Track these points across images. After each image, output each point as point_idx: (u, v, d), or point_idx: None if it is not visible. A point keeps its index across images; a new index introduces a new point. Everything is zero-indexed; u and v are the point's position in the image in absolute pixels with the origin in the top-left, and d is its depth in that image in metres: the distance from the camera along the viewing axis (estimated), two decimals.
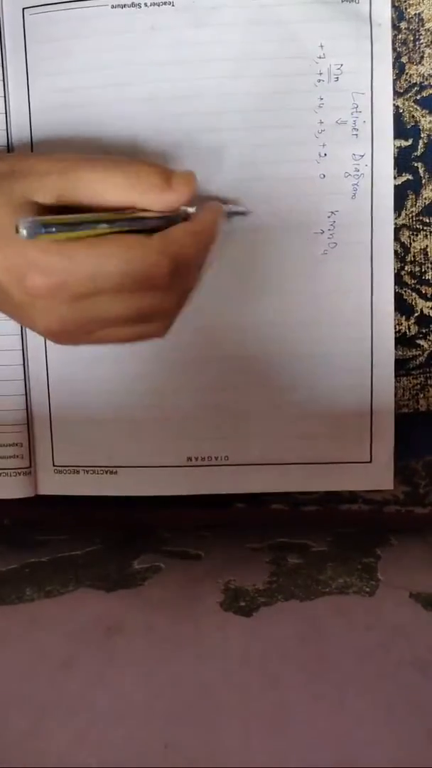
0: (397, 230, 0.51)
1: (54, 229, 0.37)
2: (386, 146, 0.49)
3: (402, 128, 0.50)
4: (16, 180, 0.40)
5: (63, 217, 0.38)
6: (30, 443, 0.54)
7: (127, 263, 0.39)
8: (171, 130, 0.49)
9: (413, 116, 0.50)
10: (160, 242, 0.40)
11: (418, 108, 0.50)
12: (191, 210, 0.43)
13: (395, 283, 0.51)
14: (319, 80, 0.48)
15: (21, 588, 0.48)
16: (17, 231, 0.37)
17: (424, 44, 0.49)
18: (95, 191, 0.40)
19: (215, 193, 0.49)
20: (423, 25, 0.49)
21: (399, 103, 0.50)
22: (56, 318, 0.40)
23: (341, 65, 0.48)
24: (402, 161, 0.50)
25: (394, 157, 0.49)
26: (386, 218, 0.50)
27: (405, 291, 0.52)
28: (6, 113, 0.50)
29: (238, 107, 0.49)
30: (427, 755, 0.34)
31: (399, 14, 0.49)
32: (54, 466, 0.54)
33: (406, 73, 0.49)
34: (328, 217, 0.50)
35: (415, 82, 0.49)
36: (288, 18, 0.48)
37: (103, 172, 0.40)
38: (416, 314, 0.52)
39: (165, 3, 0.48)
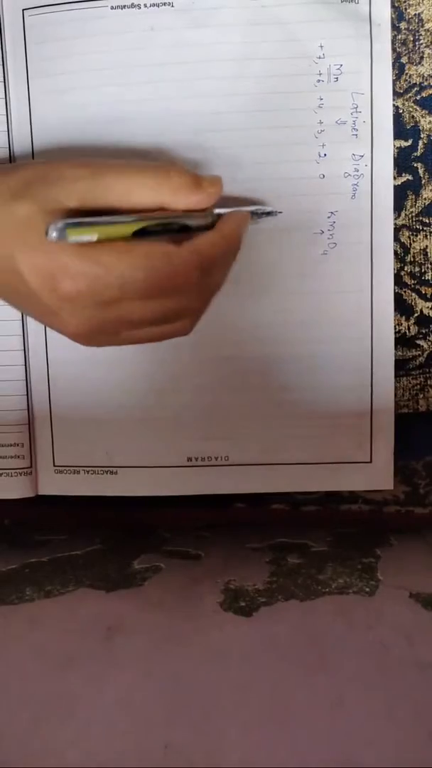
0: (397, 230, 0.51)
1: (83, 229, 0.38)
2: (386, 146, 0.49)
3: (402, 128, 0.50)
4: (46, 186, 0.40)
5: (93, 219, 0.39)
6: (31, 443, 0.54)
7: (156, 271, 0.39)
8: (171, 130, 0.49)
9: (413, 116, 0.50)
10: (189, 251, 0.40)
11: (418, 108, 0.50)
12: (220, 211, 0.44)
13: (395, 284, 0.51)
14: (319, 80, 0.48)
15: (21, 588, 0.48)
16: (47, 234, 0.37)
17: (424, 44, 0.49)
18: (126, 193, 0.40)
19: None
20: (423, 26, 0.49)
21: (399, 103, 0.50)
22: (84, 321, 0.41)
23: (341, 65, 0.48)
24: (402, 161, 0.50)
25: (394, 158, 0.50)
26: (386, 218, 0.50)
27: (405, 291, 0.52)
28: (6, 113, 0.50)
29: (237, 108, 0.49)
30: (427, 755, 0.34)
31: (399, 14, 0.49)
32: (54, 466, 0.54)
33: (406, 74, 0.49)
34: (328, 217, 0.50)
35: (414, 82, 0.49)
36: (288, 18, 0.48)
37: (132, 174, 0.41)
38: (416, 314, 0.52)
39: (164, 4, 0.48)
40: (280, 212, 0.49)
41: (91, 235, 0.38)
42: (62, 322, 0.41)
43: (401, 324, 0.52)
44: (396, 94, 0.49)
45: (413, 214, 0.51)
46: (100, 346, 0.44)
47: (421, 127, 0.50)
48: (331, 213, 0.50)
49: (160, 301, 0.41)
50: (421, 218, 0.51)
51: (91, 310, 0.40)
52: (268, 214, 0.48)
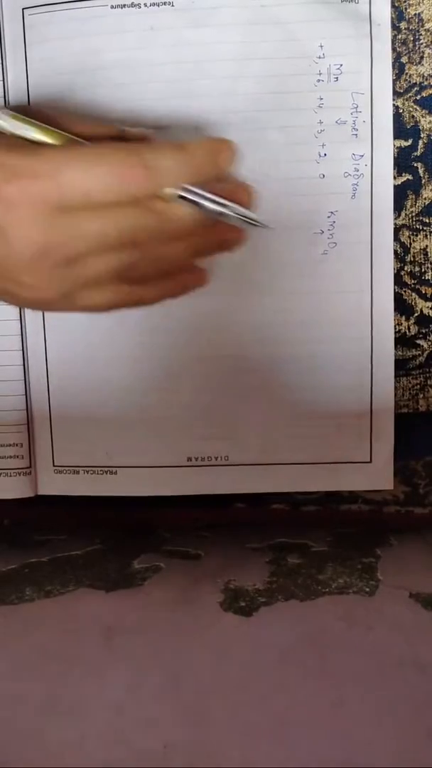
0: (397, 230, 0.51)
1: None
2: (386, 146, 0.49)
3: (402, 128, 0.50)
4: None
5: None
6: (30, 443, 0.54)
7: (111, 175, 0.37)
8: (170, 130, 0.49)
9: (413, 116, 0.50)
10: (137, 148, 0.38)
11: (418, 108, 0.50)
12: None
13: (395, 284, 0.51)
14: (319, 80, 0.48)
15: (21, 588, 0.48)
16: None
17: (424, 44, 0.49)
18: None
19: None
20: (423, 26, 0.49)
21: (399, 103, 0.50)
22: (37, 232, 0.37)
23: (341, 65, 0.48)
24: (402, 161, 0.50)
25: (394, 157, 0.49)
26: (386, 218, 0.50)
27: (405, 291, 0.52)
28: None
29: (237, 107, 0.49)
30: (427, 755, 0.34)
31: (399, 14, 0.49)
32: (54, 466, 0.54)
33: (406, 73, 0.49)
34: (328, 217, 0.50)
35: (414, 82, 0.49)
36: (288, 18, 0.48)
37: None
38: (416, 314, 0.52)
39: (164, 3, 0.48)
40: (272, 228, 0.46)
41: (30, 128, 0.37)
42: (8, 236, 0.37)
43: (401, 324, 0.52)
44: (396, 94, 0.49)
45: (413, 214, 0.51)
46: (58, 304, 0.41)
47: (421, 127, 0.50)
48: (331, 213, 0.50)
49: (115, 214, 0.38)
50: (421, 218, 0.51)
51: (44, 218, 0.36)
52: (255, 224, 0.45)
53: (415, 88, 0.49)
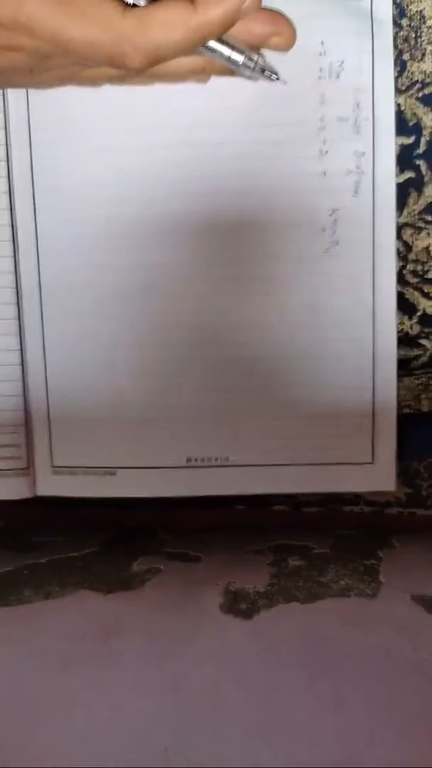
0: (400, 228, 0.51)
1: None
2: (388, 143, 0.49)
3: (404, 125, 0.50)
4: None
5: None
6: (28, 444, 0.53)
7: None
8: (171, 126, 0.49)
9: (415, 113, 0.50)
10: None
11: (420, 105, 0.49)
12: None
13: (397, 282, 0.50)
14: (320, 77, 0.48)
15: (20, 589, 0.48)
16: None
17: (426, 41, 0.49)
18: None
19: (214, 191, 0.49)
20: (425, 22, 0.49)
21: (401, 100, 0.49)
22: None
23: (342, 62, 0.48)
24: (404, 159, 0.50)
25: (396, 155, 0.49)
26: (388, 216, 0.49)
27: (407, 290, 0.52)
28: (5, 114, 0.50)
29: (238, 104, 0.48)
30: (427, 756, 0.34)
31: (400, 11, 0.49)
32: (52, 467, 0.54)
33: (408, 71, 0.49)
34: (330, 214, 0.49)
35: (417, 79, 0.49)
36: (289, 14, 0.48)
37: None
38: (419, 313, 0.52)
39: None
40: (283, 81, 0.41)
41: None
42: None
43: (404, 323, 0.52)
44: (398, 91, 0.49)
45: (416, 212, 0.51)
46: None
47: (423, 124, 0.50)
48: (333, 210, 0.49)
49: None
50: (423, 216, 0.51)
51: None
52: (263, 72, 0.40)
53: (417, 85, 0.49)
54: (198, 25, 0.34)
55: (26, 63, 0.35)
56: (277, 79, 0.39)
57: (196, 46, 0.35)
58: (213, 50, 0.35)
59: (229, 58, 0.36)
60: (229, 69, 0.38)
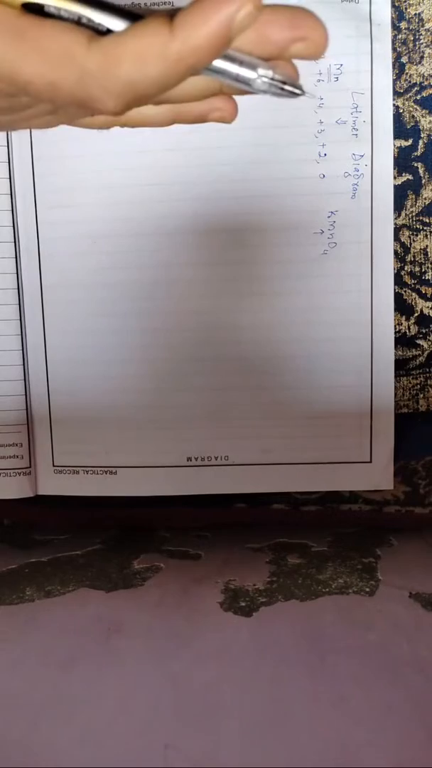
0: (397, 230, 0.51)
1: None
2: (386, 146, 0.49)
3: (402, 128, 0.50)
4: None
5: None
6: (30, 443, 0.54)
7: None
8: (171, 129, 0.49)
9: (413, 116, 0.50)
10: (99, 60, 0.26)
11: (418, 108, 0.50)
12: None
13: (395, 283, 0.51)
14: (319, 80, 0.48)
15: (21, 588, 0.48)
16: None
17: (424, 44, 0.49)
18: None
19: (213, 193, 0.49)
20: (423, 25, 0.49)
21: (399, 103, 0.50)
22: None
23: (341, 65, 0.48)
24: (402, 161, 0.50)
25: (394, 157, 0.49)
26: (386, 218, 0.50)
27: (405, 291, 0.52)
28: None
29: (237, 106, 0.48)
30: (427, 755, 0.34)
31: (399, 14, 0.49)
32: (54, 466, 0.54)
33: (406, 73, 0.49)
34: (328, 217, 0.50)
35: (415, 82, 0.49)
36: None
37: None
38: (416, 314, 0.52)
39: (165, 3, 0.48)
40: (311, 95, 0.30)
41: None
42: None
43: (401, 324, 0.52)
44: (396, 94, 0.49)
45: (413, 214, 0.51)
46: None
47: (421, 127, 0.50)
48: (332, 213, 0.50)
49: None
50: (421, 218, 0.51)
51: None
52: (284, 88, 0.29)
53: (416, 88, 0.49)
54: (179, 54, 0.25)
55: (1, 104, 0.29)
56: (303, 93, 0.29)
57: (182, 77, 0.27)
58: (216, 70, 0.28)
59: (238, 77, 0.28)
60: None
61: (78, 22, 0.26)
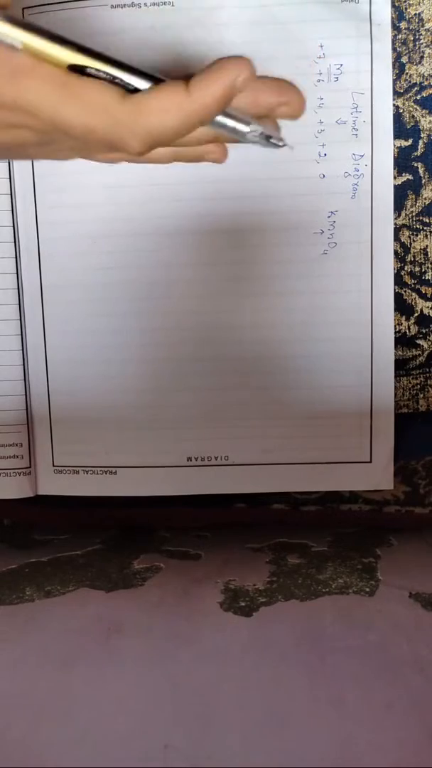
0: (397, 230, 0.51)
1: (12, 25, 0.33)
2: (386, 146, 0.49)
3: (402, 128, 0.50)
4: None
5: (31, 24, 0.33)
6: (30, 443, 0.54)
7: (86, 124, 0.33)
8: None
9: (413, 116, 0.50)
10: (131, 110, 0.33)
11: (418, 108, 0.50)
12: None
13: (395, 283, 0.51)
14: (319, 80, 0.48)
15: (21, 588, 0.48)
16: None
17: (424, 44, 0.49)
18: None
19: (213, 194, 0.49)
20: (423, 25, 0.49)
21: (399, 103, 0.50)
22: None
23: (341, 65, 0.48)
24: (402, 161, 0.50)
25: (394, 157, 0.50)
26: (386, 218, 0.50)
27: (405, 291, 0.52)
28: None
29: None
30: (427, 755, 0.34)
31: (399, 14, 0.49)
32: (54, 466, 0.54)
33: (406, 73, 0.49)
34: (328, 217, 0.50)
35: (415, 82, 0.49)
36: (288, 18, 0.48)
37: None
38: (416, 314, 0.52)
39: (165, 3, 0.48)
40: (290, 147, 0.38)
41: (14, 37, 0.32)
42: None
43: (401, 324, 0.52)
44: (396, 94, 0.49)
45: (413, 214, 0.51)
46: None
47: (421, 127, 0.50)
48: (332, 213, 0.50)
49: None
50: (421, 218, 0.51)
51: None
52: (269, 140, 0.37)
53: (416, 88, 0.49)
54: (192, 110, 0.33)
55: (34, 139, 0.35)
56: (284, 145, 0.37)
57: (194, 127, 0.34)
58: (218, 123, 0.35)
59: (234, 130, 0.35)
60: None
61: (112, 81, 0.32)
